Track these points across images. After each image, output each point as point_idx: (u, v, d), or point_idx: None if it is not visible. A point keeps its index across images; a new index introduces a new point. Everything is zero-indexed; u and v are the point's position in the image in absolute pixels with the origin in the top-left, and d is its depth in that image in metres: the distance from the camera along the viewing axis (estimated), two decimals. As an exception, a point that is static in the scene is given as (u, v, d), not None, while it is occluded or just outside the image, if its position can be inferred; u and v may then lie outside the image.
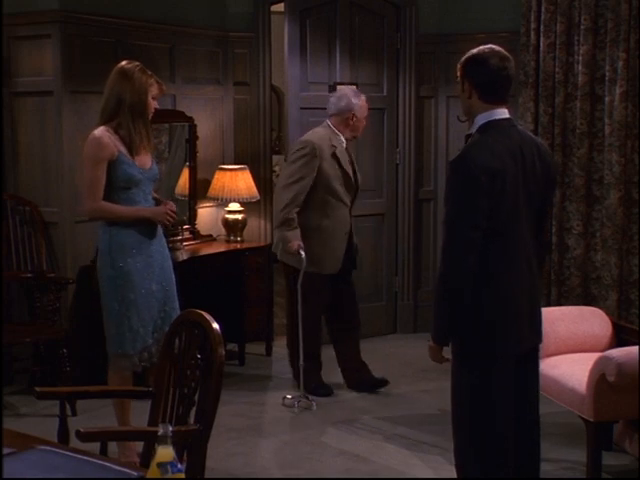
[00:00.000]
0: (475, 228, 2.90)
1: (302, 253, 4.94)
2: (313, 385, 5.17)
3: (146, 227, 4.03)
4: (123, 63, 4.01)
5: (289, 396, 5.09)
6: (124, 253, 3.96)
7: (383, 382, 5.33)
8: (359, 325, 5.37)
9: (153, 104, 4.01)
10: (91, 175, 3.94)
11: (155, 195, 4.20)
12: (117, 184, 3.95)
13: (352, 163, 5.23)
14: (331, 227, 5.11)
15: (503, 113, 3.03)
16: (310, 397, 5.05)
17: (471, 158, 2.92)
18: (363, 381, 5.32)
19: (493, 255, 2.97)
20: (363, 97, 5.22)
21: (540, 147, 3.13)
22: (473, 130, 3.05)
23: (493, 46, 3.07)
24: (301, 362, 5.05)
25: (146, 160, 4.04)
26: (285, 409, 5.02)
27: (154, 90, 4.00)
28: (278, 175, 8.16)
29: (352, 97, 5.15)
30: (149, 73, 4.00)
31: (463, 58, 3.09)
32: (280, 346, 6.15)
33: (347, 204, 5.17)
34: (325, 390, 5.23)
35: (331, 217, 5.10)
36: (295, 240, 4.95)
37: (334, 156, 5.07)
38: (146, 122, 3.99)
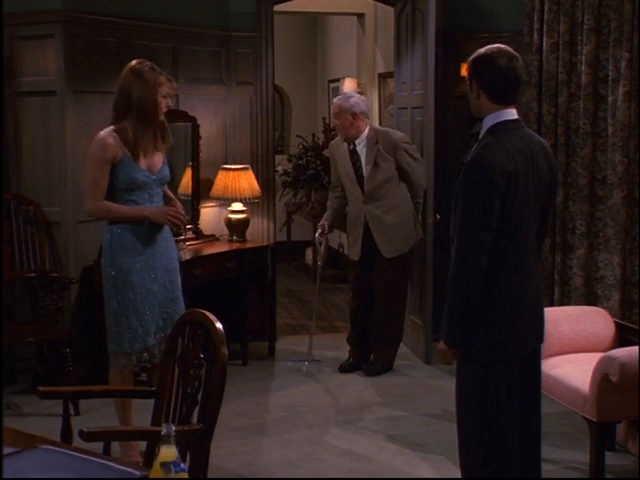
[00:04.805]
0: (488, 229, 2.89)
1: (318, 230, 5.60)
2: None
3: (150, 228, 4.00)
4: (133, 62, 3.98)
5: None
6: (124, 252, 3.95)
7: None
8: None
9: (164, 103, 3.95)
10: (93, 175, 3.94)
11: (169, 194, 4.17)
12: (120, 186, 3.93)
13: (372, 161, 5.54)
14: (350, 218, 5.68)
15: (512, 114, 3.00)
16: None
17: (487, 160, 2.89)
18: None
19: (503, 255, 2.96)
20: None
21: (545, 148, 3.13)
22: (483, 131, 3.02)
23: (501, 45, 3.02)
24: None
25: (155, 162, 4.00)
26: (289, 411, 5.04)
27: (164, 89, 3.93)
28: (281, 175, 8.36)
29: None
30: (159, 71, 3.95)
31: (471, 57, 3.04)
32: (282, 346, 6.16)
33: (358, 198, 5.57)
34: None
35: (348, 209, 5.70)
36: (324, 219, 5.69)
37: (351, 154, 5.51)
38: (154, 122, 3.95)
